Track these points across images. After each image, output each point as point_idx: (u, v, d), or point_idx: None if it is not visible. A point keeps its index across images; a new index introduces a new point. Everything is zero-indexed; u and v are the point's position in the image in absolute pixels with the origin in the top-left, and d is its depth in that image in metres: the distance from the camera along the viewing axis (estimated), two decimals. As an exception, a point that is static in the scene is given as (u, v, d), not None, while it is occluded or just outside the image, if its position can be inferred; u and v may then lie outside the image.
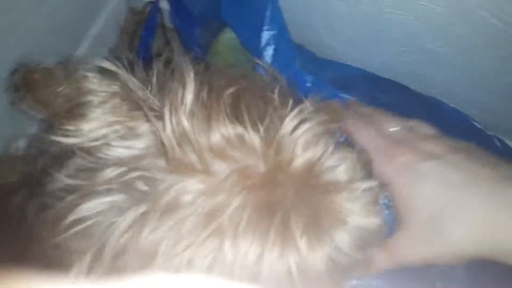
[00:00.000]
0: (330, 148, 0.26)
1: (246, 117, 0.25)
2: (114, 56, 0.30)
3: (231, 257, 0.23)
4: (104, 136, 0.25)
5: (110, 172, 0.25)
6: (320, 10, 0.49)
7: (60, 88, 0.28)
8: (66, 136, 0.26)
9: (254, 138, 0.24)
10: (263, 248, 0.23)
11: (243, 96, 0.27)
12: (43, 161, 0.43)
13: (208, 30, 0.52)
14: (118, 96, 0.27)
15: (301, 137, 0.25)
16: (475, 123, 0.52)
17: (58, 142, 0.26)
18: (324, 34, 0.52)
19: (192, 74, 0.25)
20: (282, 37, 0.44)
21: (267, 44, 0.44)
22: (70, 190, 0.25)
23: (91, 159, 0.25)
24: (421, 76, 0.52)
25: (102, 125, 0.26)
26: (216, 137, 0.24)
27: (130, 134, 0.26)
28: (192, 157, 0.24)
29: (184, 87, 0.25)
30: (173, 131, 0.24)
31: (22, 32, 0.44)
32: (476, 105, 0.52)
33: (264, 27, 0.44)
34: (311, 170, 0.25)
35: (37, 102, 0.29)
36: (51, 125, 0.28)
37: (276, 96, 0.28)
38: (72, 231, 0.24)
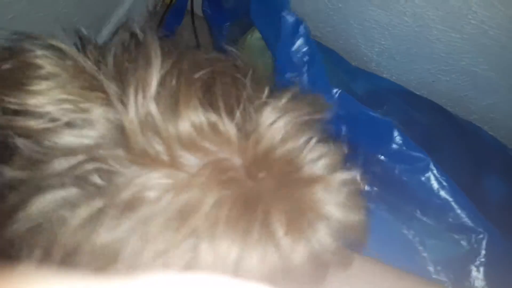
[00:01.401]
0: (312, 141, 0.23)
1: (220, 104, 0.21)
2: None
3: (209, 259, 0.20)
4: (51, 118, 0.21)
5: (60, 164, 0.21)
6: (356, 15, 0.46)
7: (5, 66, 0.23)
8: (8, 114, 0.21)
9: (229, 128, 0.21)
10: (243, 248, 0.21)
11: (217, 80, 0.23)
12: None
13: (237, 26, 0.49)
14: (69, 72, 0.23)
15: (281, 128, 0.22)
16: (514, 156, 0.49)
17: None
18: (361, 42, 0.49)
19: (159, 51, 0.22)
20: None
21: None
22: (18, 184, 0.23)
23: (38, 148, 0.22)
24: (460, 98, 0.48)
25: (49, 101, 0.21)
26: (185, 125, 0.21)
27: (82, 119, 0.22)
28: (158, 147, 0.20)
29: (149, 64, 0.21)
30: (137, 114, 0.20)
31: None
32: (517, 137, 0.48)
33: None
34: (291, 163, 0.22)
35: None
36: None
37: (248, 82, 0.24)
38: (21, 227, 0.22)
